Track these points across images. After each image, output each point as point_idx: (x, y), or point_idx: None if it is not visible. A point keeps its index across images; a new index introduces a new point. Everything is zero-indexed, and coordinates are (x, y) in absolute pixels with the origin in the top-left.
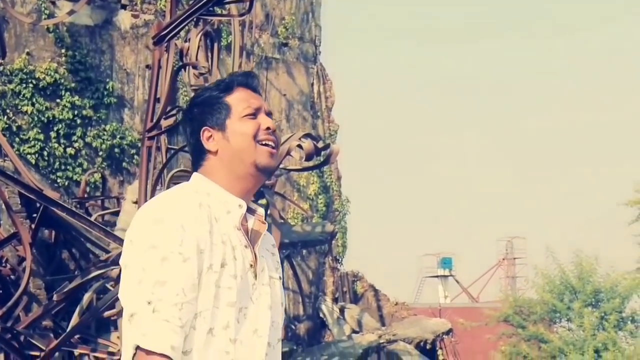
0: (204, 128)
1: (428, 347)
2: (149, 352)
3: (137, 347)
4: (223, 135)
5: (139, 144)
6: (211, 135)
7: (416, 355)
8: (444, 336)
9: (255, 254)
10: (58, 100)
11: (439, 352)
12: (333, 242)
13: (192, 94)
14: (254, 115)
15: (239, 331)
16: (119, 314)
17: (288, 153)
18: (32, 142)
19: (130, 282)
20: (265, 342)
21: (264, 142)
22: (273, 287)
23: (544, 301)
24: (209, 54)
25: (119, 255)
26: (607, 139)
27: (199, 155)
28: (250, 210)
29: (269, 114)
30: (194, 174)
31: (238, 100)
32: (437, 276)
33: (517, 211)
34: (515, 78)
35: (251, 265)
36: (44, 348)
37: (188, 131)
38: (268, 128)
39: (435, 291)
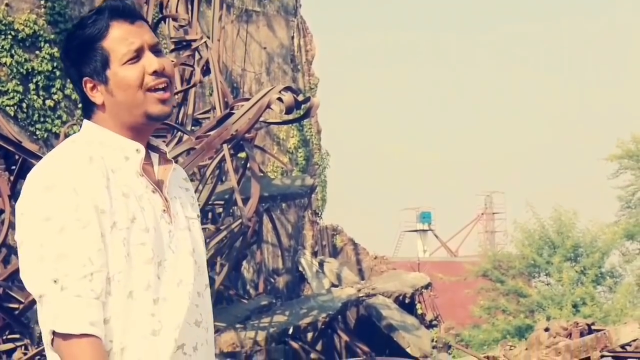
0: (84, 79)
1: (407, 301)
2: (66, 336)
3: (54, 332)
4: (106, 88)
5: None
6: (94, 86)
7: (395, 309)
8: (422, 290)
9: (165, 197)
10: (37, 52)
11: (418, 306)
12: (313, 195)
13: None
14: (137, 57)
15: (161, 288)
16: None
17: (268, 106)
18: (11, 94)
19: (30, 260)
20: (192, 291)
21: (153, 88)
22: (192, 228)
23: (523, 256)
24: (189, 6)
25: None
26: (589, 93)
27: (86, 105)
28: (152, 148)
29: (155, 48)
30: (85, 121)
31: (115, 43)
32: (416, 230)
33: (497, 165)
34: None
35: (164, 211)
36: (22, 300)
37: (71, 79)
38: (155, 72)
39: (414, 245)
